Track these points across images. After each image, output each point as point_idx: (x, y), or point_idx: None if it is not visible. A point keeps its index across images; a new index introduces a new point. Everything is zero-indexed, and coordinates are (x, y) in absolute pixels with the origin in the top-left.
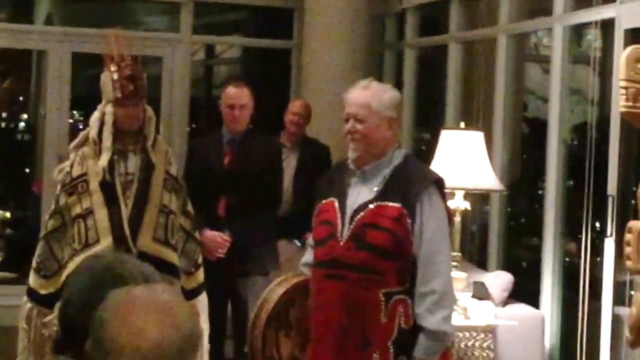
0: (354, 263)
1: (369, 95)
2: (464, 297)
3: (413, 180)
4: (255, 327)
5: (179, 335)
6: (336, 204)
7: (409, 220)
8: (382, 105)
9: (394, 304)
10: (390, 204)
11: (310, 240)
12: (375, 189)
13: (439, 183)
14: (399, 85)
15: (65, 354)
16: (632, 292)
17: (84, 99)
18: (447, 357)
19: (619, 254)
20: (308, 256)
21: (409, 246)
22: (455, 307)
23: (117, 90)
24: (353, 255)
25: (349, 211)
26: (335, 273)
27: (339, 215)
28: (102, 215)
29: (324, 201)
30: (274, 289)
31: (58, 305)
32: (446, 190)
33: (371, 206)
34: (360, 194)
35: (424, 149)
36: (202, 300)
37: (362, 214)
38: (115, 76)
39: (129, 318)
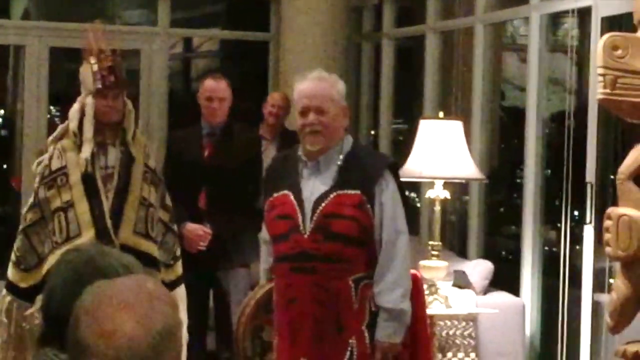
0: (323, 254)
1: (327, 86)
2: (444, 285)
3: (368, 167)
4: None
5: (155, 330)
6: (291, 197)
7: (368, 206)
8: (339, 95)
9: (363, 288)
10: (350, 191)
11: (264, 236)
12: (332, 178)
13: (393, 166)
14: (377, 76)
15: (51, 346)
16: (612, 279)
17: (61, 94)
18: (428, 346)
19: (599, 241)
20: (268, 259)
21: (372, 231)
22: (437, 296)
23: (98, 81)
24: (321, 247)
25: (307, 203)
26: (303, 265)
27: (297, 208)
28: (83, 208)
29: (275, 195)
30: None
31: (39, 298)
32: (401, 175)
33: (331, 196)
34: (316, 184)
35: (402, 140)
36: (181, 293)
37: (323, 204)
38: (96, 67)
39: (101, 317)
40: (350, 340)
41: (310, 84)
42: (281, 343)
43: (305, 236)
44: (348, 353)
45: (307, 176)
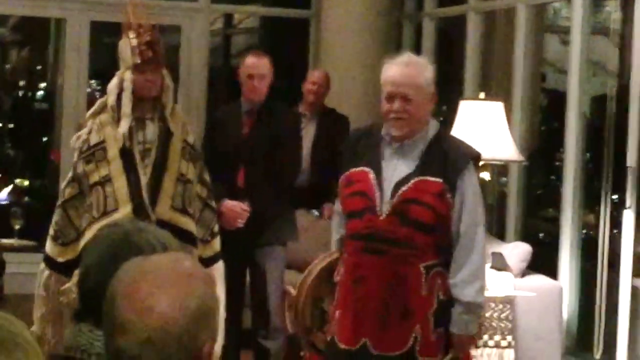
0: (397, 238)
1: (415, 73)
2: None
3: (453, 156)
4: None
5: (191, 308)
6: (371, 175)
7: (449, 196)
8: (427, 82)
9: (433, 276)
10: (431, 178)
11: (337, 208)
12: (415, 163)
13: (477, 159)
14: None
15: (86, 322)
16: None
17: (101, 69)
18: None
19: (638, 226)
20: (341, 230)
21: (449, 221)
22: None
23: (136, 56)
24: (396, 231)
25: (387, 185)
26: (375, 247)
27: (376, 188)
28: (121, 182)
29: (353, 169)
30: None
31: (76, 272)
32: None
33: (412, 181)
34: (398, 167)
35: (442, 120)
36: (219, 269)
37: (403, 188)
38: (134, 42)
39: (136, 295)
40: (416, 327)
41: (397, 69)
42: (343, 320)
43: (381, 218)
44: (412, 339)
45: (389, 156)
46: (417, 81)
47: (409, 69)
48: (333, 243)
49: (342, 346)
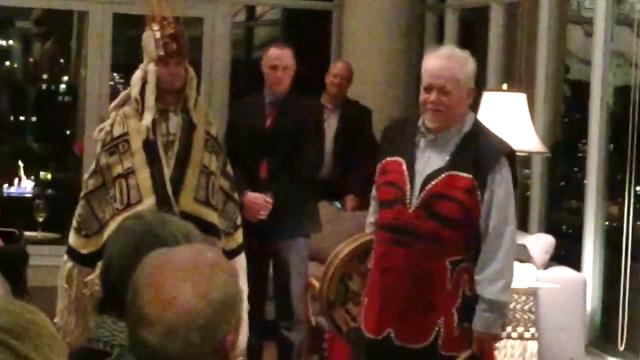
0: (423, 232)
1: (455, 66)
2: None
3: (485, 151)
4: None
5: (214, 300)
6: (404, 167)
7: (479, 192)
8: (467, 77)
9: (459, 271)
10: (462, 174)
11: (374, 193)
12: (447, 157)
13: (511, 155)
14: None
15: (109, 313)
16: None
17: (124, 61)
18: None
19: None
20: (375, 215)
21: (477, 217)
22: None
23: (160, 48)
24: (422, 224)
25: (418, 177)
26: (403, 239)
27: (407, 180)
28: (144, 174)
29: (388, 158)
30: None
31: (99, 264)
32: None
33: (442, 175)
34: (430, 160)
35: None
36: (241, 261)
37: (433, 182)
38: (158, 35)
39: (160, 286)
40: (439, 320)
41: (437, 61)
42: (370, 308)
43: (410, 210)
44: (434, 333)
45: (423, 147)
46: (457, 74)
47: (449, 62)
48: (367, 225)
49: (368, 335)
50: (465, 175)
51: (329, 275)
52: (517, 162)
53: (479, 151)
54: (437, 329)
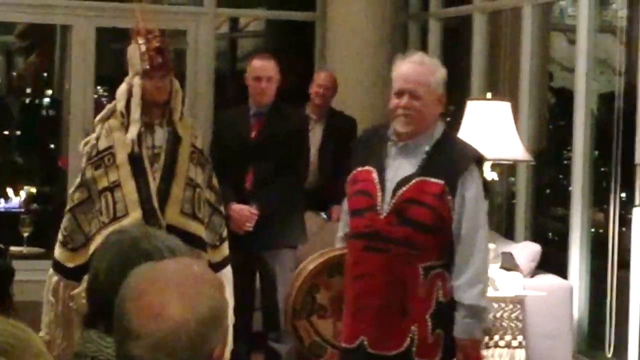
0: (396, 237)
1: (426, 72)
2: (492, 268)
3: (455, 157)
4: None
5: (201, 313)
6: (374, 175)
7: (449, 197)
8: (437, 83)
9: (433, 277)
10: (432, 179)
11: (344, 206)
12: (417, 163)
13: (480, 161)
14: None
15: (96, 328)
16: None
17: (108, 75)
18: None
19: None
20: (346, 228)
21: (449, 222)
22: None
23: (145, 62)
24: (394, 230)
25: (389, 184)
26: (375, 245)
27: (378, 187)
28: (130, 188)
29: (359, 168)
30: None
31: (85, 278)
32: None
33: (413, 181)
34: (401, 167)
35: (450, 121)
36: (227, 274)
37: (404, 188)
38: (143, 48)
39: (146, 300)
40: (412, 327)
41: (408, 66)
42: (345, 317)
43: (382, 217)
44: (408, 340)
45: (394, 156)
46: (428, 80)
47: (420, 68)
48: (337, 240)
49: (342, 344)
50: (436, 180)
51: (296, 286)
52: (504, 171)
53: (449, 157)
54: (410, 335)
